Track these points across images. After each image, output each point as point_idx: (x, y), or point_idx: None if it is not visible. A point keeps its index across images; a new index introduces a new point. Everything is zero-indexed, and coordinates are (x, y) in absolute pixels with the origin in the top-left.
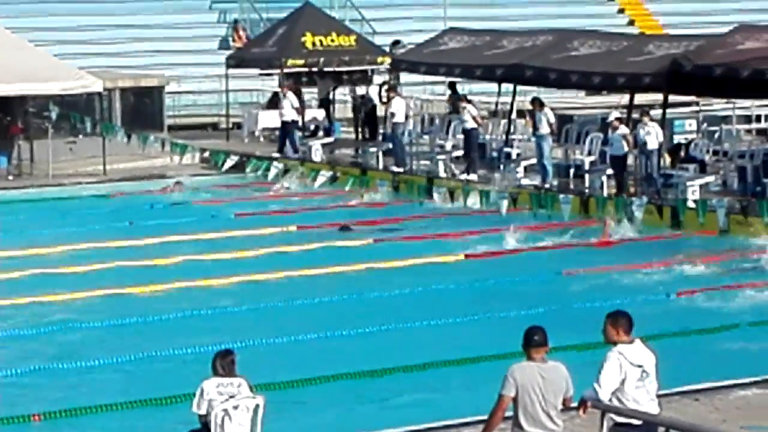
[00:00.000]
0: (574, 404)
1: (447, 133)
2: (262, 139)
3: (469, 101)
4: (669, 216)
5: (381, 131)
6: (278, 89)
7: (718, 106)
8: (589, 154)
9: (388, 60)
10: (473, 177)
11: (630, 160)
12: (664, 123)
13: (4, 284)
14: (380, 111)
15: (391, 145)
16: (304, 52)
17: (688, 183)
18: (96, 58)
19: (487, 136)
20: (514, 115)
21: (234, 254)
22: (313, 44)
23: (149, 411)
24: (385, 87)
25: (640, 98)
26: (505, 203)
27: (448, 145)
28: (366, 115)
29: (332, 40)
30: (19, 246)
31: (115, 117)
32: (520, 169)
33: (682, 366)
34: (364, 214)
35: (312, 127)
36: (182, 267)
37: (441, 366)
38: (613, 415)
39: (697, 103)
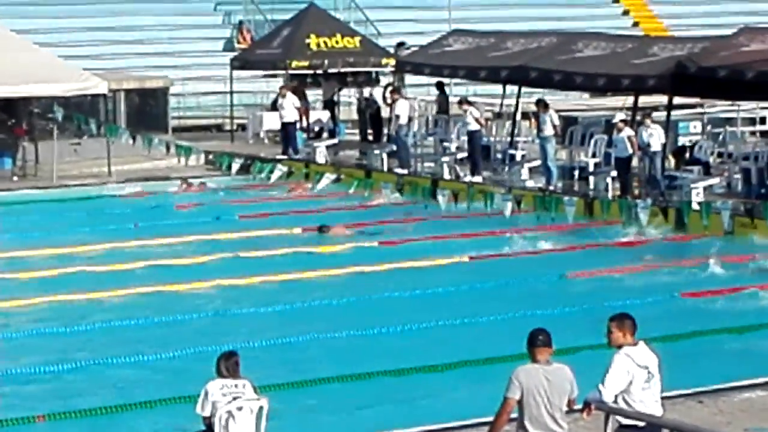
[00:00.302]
0: (578, 406)
1: (450, 134)
2: (266, 140)
3: (471, 103)
4: (674, 218)
5: (386, 133)
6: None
7: (723, 108)
8: (594, 156)
9: (392, 61)
10: (477, 179)
11: (634, 162)
12: (669, 125)
13: (7, 285)
14: (385, 113)
15: (395, 147)
16: (308, 54)
17: (693, 185)
18: (101, 60)
19: (492, 138)
20: (518, 117)
21: (246, 254)
22: (318, 46)
23: (152, 412)
24: (390, 89)
25: (645, 100)
26: (509, 205)
27: (453, 147)
28: (371, 117)
29: (337, 42)
30: (24, 247)
31: (119, 118)
32: (525, 171)
33: (687, 368)
34: (369, 215)
35: (316, 128)
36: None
37: (445, 368)
38: (617, 417)
39: (701, 105)
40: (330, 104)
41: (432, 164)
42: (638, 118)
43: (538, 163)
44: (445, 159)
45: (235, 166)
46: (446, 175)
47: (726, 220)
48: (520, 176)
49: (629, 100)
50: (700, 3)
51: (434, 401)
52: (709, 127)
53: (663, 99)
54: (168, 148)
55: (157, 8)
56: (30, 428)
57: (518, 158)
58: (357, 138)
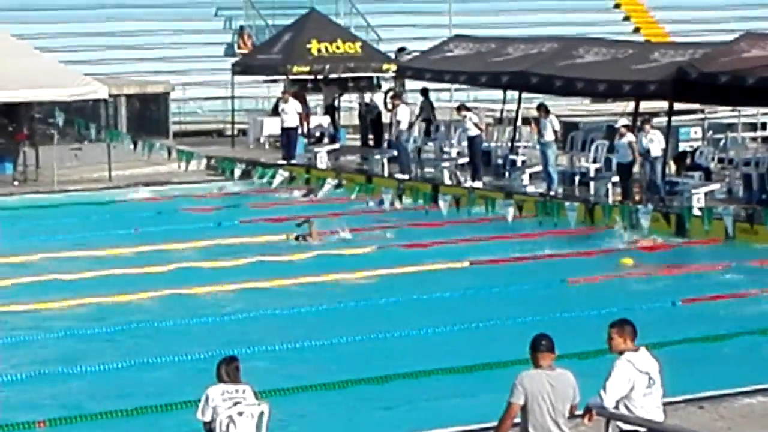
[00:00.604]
0: (580, 412)
1: (450, 140)
2: (267, 146)
3: (469, 109)
4: (675, 224)
5: (386, 138)
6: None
7: (724, 113)
8: (595, 161)
9: (393, 67)
10: (478, 184)
11: (636, 168)
12: (669, 130)
13: (8, 290)
14: (386, 118)
15: (396, 153)
16: (309, 59)
17: (694, 190)
18: (101, 65)
19: (492, 144)
20: (519, 123)
21: (235, 261)
22: (319, 51)
23: (153, 418)
24: (390, 94)
25: (646, 106)
26: (511, 210)
27: (453, 152)
28: (371, 122)
29: (338, 47)
30: (23, 252)
31: (120, 123)
32: (525, 177)
33: (687, 373)
34: (371, 220)
35: (317, 134)
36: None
37: (446, 373)
38: (618, 423)
39: (702, 111)
40: (331, 109)
41: (432, 170)
42: (638, 123)
43: (538, 168)
44: (446, 164)
45: (237, 172)
46: (447, 181)
47: (729, 225)
48: (521, 181)
49: (630, 106)
50: (701, 9)
51: (435, 406)
52: (709, 133)
53: (664, 105)
54: (170, 153)
55: (158, 13)
56: None
57: (519, 164)
58: (358, 143)
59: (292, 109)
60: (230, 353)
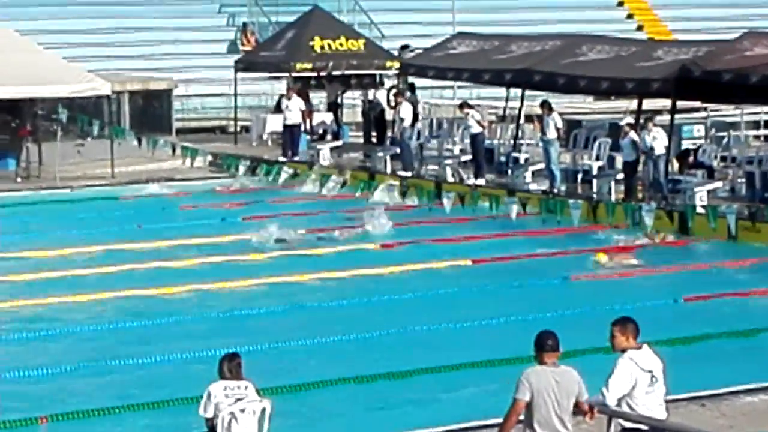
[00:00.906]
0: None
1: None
2: (270, 142)
3: (471, 106)
4: (678, 222)
5: (389, 135)
6: (285, 93)
7: (727, 111)
8: (597, 159)
9: (396, 64)
10: (481, 182)
11: (640, 166)
12: (672, 128)
13: (8, 286)
14: (389, 115)
15: (398, 150)
16: (312, 56)
17: (696, 189)
18: (105, 61)
19: (495, 141)
20: (522, 120)
21: (246, 257)
22: (322, 48)
23: (155, 414)
24: (394, 92)
25: (649, 103)
26: (515, 208)
27: (456, 150)
28: (374, 120)
29: (341, 44)
30: (24, 248)
31: (123, 120)
32: (528, 174)
33: (689, 371)
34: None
35: (320, 131)
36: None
37: (450, 370)
38: (620, 421)
39: (705, 109)
40: (334, 106)
41: (435, 167)
42: (641, 121)
43: (541, 166)
44: (448, 162)
45: (242, 169)
46: (449, 178)
47: (732, 224)
48: (523, 179)
49: (633, 104)
50: (704, 7)
51: (439, 404)
52: (712, 131)
53: (667, 102)
54: (174, 150)
55: (161, 10)
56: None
57: (522, 161)
58: (360, 140)
59: (295, 106)
60: (232, 350)
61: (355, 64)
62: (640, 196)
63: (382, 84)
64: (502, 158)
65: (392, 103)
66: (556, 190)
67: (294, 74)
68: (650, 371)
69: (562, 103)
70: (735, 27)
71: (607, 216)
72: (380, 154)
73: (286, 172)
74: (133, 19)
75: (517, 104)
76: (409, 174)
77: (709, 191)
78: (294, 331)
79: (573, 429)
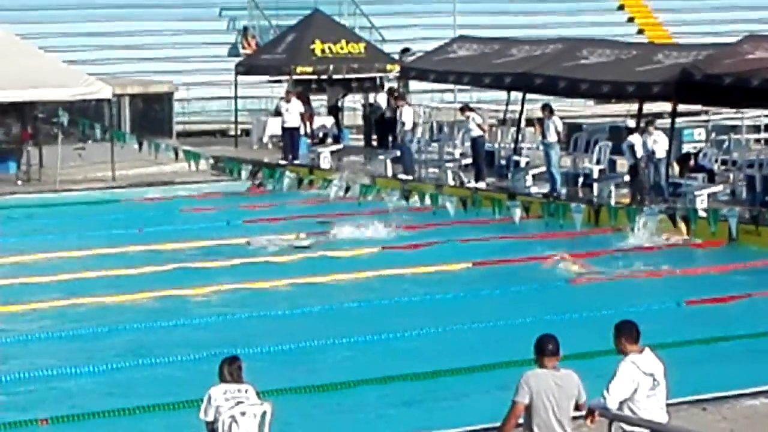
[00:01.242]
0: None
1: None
2: (270, 146)
3: (472, 109)
4: (682, 225)
5: (390, 139)
6: (284, 96)
7: (727, 115)
8: (598, 162)
9: (397, 68)
10: (481, 185)
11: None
12: (673, 132)
13: (8, 290)
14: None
15: (399, 153)
16: (313, 60)
17: (697, 192)
18: (105, 65)
19: (496, 145)
20: (522, 124)
21: (244, 260)
22: (323, 51)
23: (155, 417)
24: (394, 95)
25: (649, 107)
26: (518, 212)
27: (457, 153)
28: (375, 123)
29: (341, 48)
30: (24, 251)
31: (124, 123)
32: (529, 178)
33: (691, 375)
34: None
35: (321, 134)
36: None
37: (449, 374)
38: (621, 424)
39: (706, 113)
40: (334, 110)
41: (436, 170)
42: (642, 125)
43: (542, 169)
44: (449, 165)
45: (245, 173)
46: (450, 182)
47: (734, 227)
48: (524, 183)
49: (634, 107)
50: (705, 10)
51: (437, 407)
52: (713, 135)
53: (667, 106)
54: (177, 154)
55: (161, 13)
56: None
57: (522, 164)
58: (361, 144)
59: (294, 109)
60: (232, 353)
61: (355, 67)
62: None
63: (382, 87)
64: (503, 162)
65: (392, 105)
66: (556, 194)
67: (295, 77)
68: (652, 374)
69: (562, 106)
70: (736, 30)
71: (609, 220)
72: (381, 157)
73: (289, 176)
74: (133, 22)
75: (518, 108)
76: (409, 177)
77: (709, 195)
78: (294, 334)
79: None
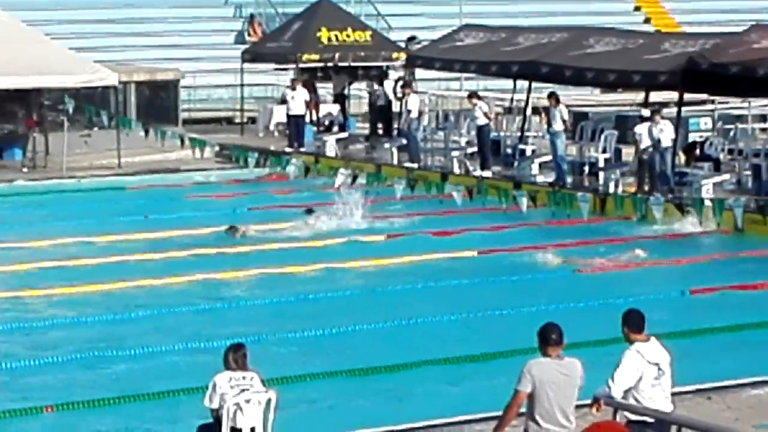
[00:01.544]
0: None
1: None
2: (276, 133)
3: (480, 97)
4: (688, 213)
5: (395, 127)
6: (290, 83)
7: (734, 104)
8: (604, 151)
9: (403, 56)
10: (487, 173)
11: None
12: (679, 121)
13: (13, 276)
14: (395, 107)
15: (405, 141)
16: (319, 47)
17: (703, 181)
18: (111, 52)
19: (502, 133)
20: (528, 112)
21: (249, 248)
22: (329, 39)
23: (160, 404)
24: (401, 83)
25: (656, 96)
26: (524, 201)
27: (462, 142)
28: (381, 111)
29: (348, 36)
30: (30, 238)
31: (130, 110)
32: (535, 166)
33: (695, 364)
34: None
35: (327, 122)
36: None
37: (454, 362)
38: (626, 413)
39: (712, 102)
40: (340, 98)
41: (442, 158)
42: (648, 114)
43: (548, 158)
44: (455, 153)
45: (251, 161)
46: (456, 170)
47: (738, 216)
48: (530, 171)
49: (640, 96)
50: None
51: (442, 394)
52: (719, 124)
53: (674, 95)
54: (182, 141)
55: (168, 1)
56: (38, 418)
57: (528, 153)
58: (367, 132)
59: (299, 97)
60: (237, 340)
61: (362, 55)
62: (646, 188)
63: (387, 76)
64: (509, 150)
65: (399, 95)
66: (562, 183)
67: (301, 65)
68: (657, 364)
69: (569, 95)
70: (742, 20)
71: (615, 209)
72: (387, 145)
73: (295, 164)
74: (140, 9)
75: (524, 96)
76: (415, 165)
77: (715, 184)
78: (299, 322)
79: (578, 422)
